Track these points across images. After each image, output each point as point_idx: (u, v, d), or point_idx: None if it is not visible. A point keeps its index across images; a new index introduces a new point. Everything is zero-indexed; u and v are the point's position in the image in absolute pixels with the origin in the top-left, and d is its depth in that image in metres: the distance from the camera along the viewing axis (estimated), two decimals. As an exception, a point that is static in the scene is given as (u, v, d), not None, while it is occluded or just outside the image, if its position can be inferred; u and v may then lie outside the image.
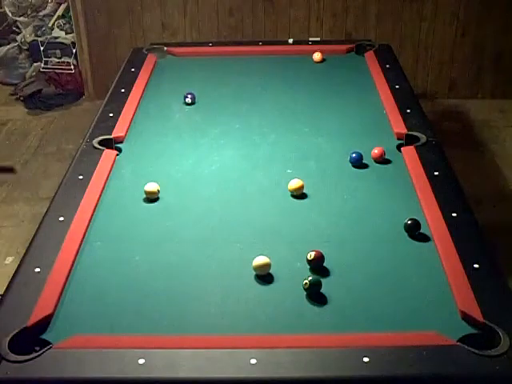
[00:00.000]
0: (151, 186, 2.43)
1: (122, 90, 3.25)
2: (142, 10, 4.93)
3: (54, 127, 4.89)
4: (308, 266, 2.03)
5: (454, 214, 2.25)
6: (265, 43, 4.01)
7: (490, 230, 3.01)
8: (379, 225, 2.28)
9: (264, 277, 2.01)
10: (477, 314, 1.81)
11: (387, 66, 3.47)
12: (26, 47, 5.34)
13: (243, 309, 1.91)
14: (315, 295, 1.93)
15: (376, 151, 2.65)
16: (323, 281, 1.95)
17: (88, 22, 4.97)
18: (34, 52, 5.27)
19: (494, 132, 4.67)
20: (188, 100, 3.16)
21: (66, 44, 5.19)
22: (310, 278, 1.93)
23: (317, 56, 3.60)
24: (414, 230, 2.19)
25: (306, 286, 1.92)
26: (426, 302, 1.92)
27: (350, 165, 2.62)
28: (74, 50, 5.14)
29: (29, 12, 5.25)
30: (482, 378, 1.66)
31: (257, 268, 2.02)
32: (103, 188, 2.47)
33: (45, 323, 1.83)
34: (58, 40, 5.20)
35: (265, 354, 1.72)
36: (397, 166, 2.61)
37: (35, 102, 5.16)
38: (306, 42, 3.96)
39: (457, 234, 2.15)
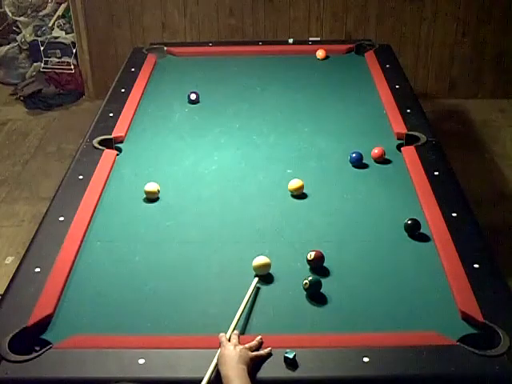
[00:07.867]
0: (151, 186, 2.43)
1: (122, 90, 3.25)
2: (142, 10, 4.92)
3: (54, 127, 4.88)
4: (308, 266, 2.03)
5: (454, 214, 2.25)
6: (265, 43, 4.02)
7: (490, 230, 3.01)
8: (379, 225, 2.28)
9: (264, 277, 2.01)
10: (477, 314, 1.81)
11: (387, 65, 3.47)
12: (25, 47, 5.34)
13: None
14: (315, 295, 1.93)
15: (376, 151, 2.65)
16: (323, 281, 1.95)
17: (88, 21, 4.97)
18: (33, 52, 5.26)
19: (494, 132, 4.66)
20: (193, 97, 3.15)
21: (66, 44, 5.18)
22: (310, 278, 1.93)
23: (320, 53, 3.61)
24: (414, 230, 2.19)
25: (306, 286, 1.92)
26: (426, 302, 1.92)
27: (350, 165, 2.62)
28: (74, 50, 5.14)
29: (29, 12, 5.24)
30: (482, 378, 1.66)
31: (257, 268, 2.02)
32: (103, 188, 2.47)
33: (45, 323, 1.83)
34: (58, 40, 5.20)
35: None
36: (397, 166, 2.61)
37: (35, 101, 5.15)
38: (306, 42, 3.97)
39: (457, 234, 2.15)
